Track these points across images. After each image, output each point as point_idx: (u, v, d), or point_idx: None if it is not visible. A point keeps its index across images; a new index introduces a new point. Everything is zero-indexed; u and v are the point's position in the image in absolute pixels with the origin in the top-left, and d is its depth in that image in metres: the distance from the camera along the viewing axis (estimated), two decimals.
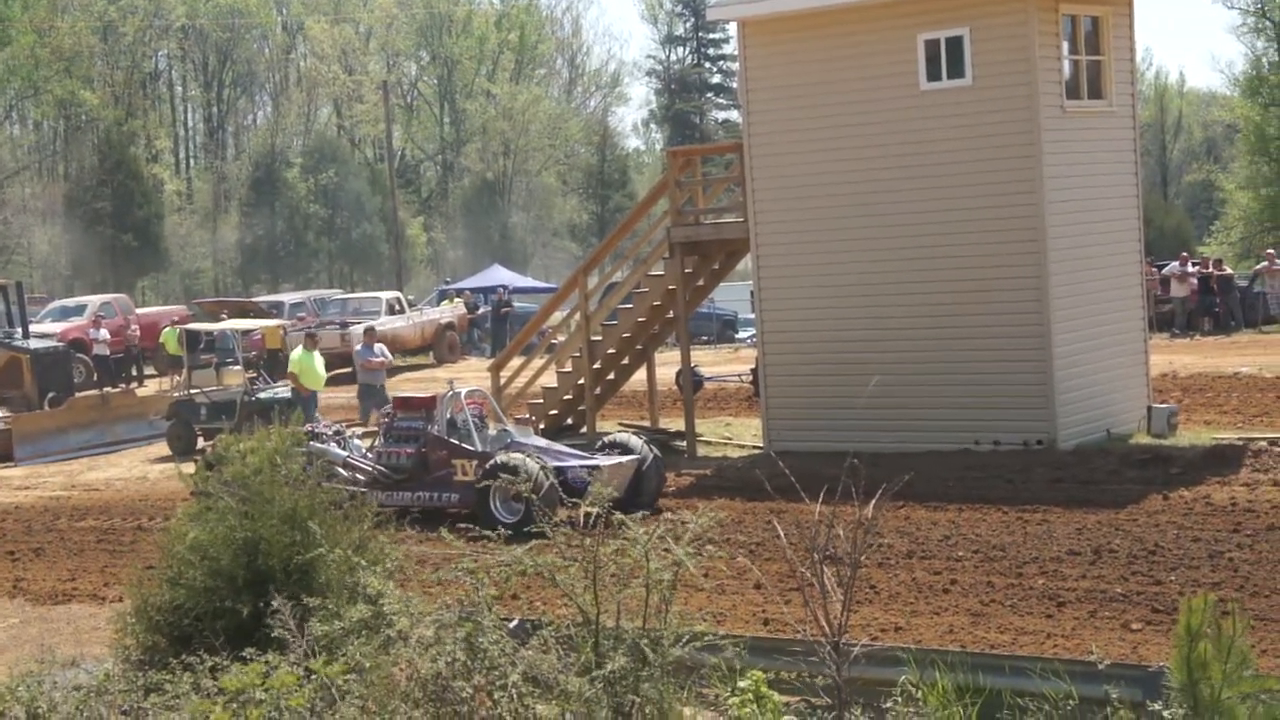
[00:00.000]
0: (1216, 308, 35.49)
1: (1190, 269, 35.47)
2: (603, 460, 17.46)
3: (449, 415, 18.35)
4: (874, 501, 8.17)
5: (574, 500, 10.51)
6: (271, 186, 68.80)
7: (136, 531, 18.92)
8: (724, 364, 32.46)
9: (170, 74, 77.96)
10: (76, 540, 18.83)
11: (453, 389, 18.91)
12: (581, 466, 17.15)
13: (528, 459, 16.77)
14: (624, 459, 17.59)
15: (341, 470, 18.60)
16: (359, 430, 20.32)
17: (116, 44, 69.95)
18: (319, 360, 24.49)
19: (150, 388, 34.91)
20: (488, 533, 9.23)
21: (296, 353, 24.65)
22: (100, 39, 68.77)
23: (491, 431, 18.31)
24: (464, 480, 17.54)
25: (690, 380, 22.86)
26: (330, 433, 19.31)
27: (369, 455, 18.81)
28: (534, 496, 10.34)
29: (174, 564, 9.79)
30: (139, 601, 9.71)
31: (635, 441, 18.03)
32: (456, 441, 18.06)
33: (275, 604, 8.53)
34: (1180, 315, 34.92)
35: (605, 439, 18.54)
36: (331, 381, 30.40)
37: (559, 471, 16.80)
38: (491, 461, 16.99)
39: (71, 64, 66.60)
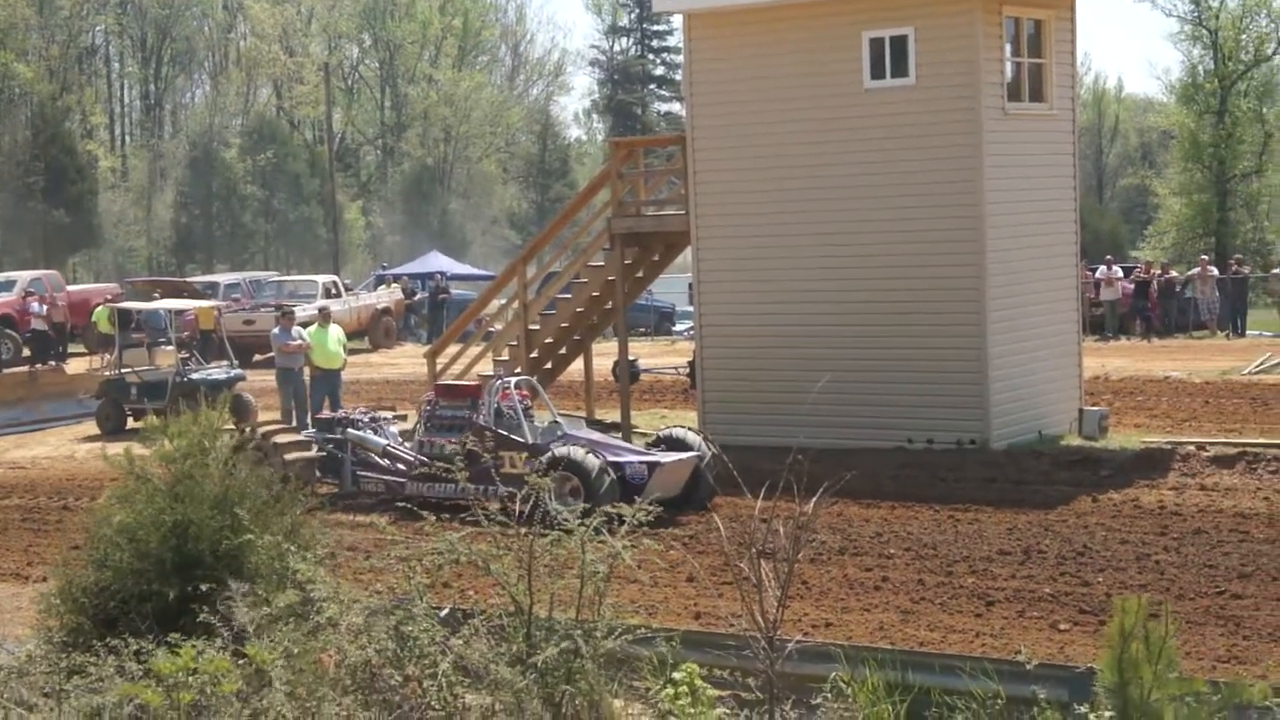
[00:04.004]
0: (1149, 312, 35.90)
1: (1118, 273, 35.81)
2: (662, 457, 16.87)
3: (495, 405, 17.69)
4: (815, 499, 8.17)
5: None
6: (209, 166, 68.10)
7: (62, 511, 18.68)
8: (661, 356, 32.47)
9: (107, 49, 76.96)
10: (0, 519, 18.55)
11: (500, 377, 18.33)
12: (640, 462, 16.61)
13: (586, 453, 16.28)
14: (684, 455, 16.96)
15: (379, 459, 18.21)
16: (389, 415, 19.68)
17: (52, 17, 68.91)
18: (334, 336, 23.49)
19: (74, 366, 34.43)
20: (423, 514, 9.13)
21: (310, 329, 23.74)
22: (36, 11, 67.69)
23: (541, 423, 17.74)
24: (512, 473, 16.46)
25: (627, 371, 22.82)
26: (366, 419, 18.71)
27: (407, 445, 18.26)
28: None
29: (100, 545, 9.65)
30: (64, 582, 9.56)
31: (693, 438, 17.42)
32: (505, 432, 17.38)
33: (213, 588, 8.41)
34: (1111, 319, 35.28)
35: (661, 434, 17.93)
36: (265, 365, 30.14)
37: (616, 467, 16.34)
38: (549, 454, 16.48)
39: (6, 36, 65.53)
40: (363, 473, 18.21)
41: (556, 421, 17.76)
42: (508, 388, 17.85)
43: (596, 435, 17.64)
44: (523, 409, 17.64)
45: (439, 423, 17.98)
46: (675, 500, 16.47)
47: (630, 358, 28.41)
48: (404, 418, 20.17)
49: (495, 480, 15.88)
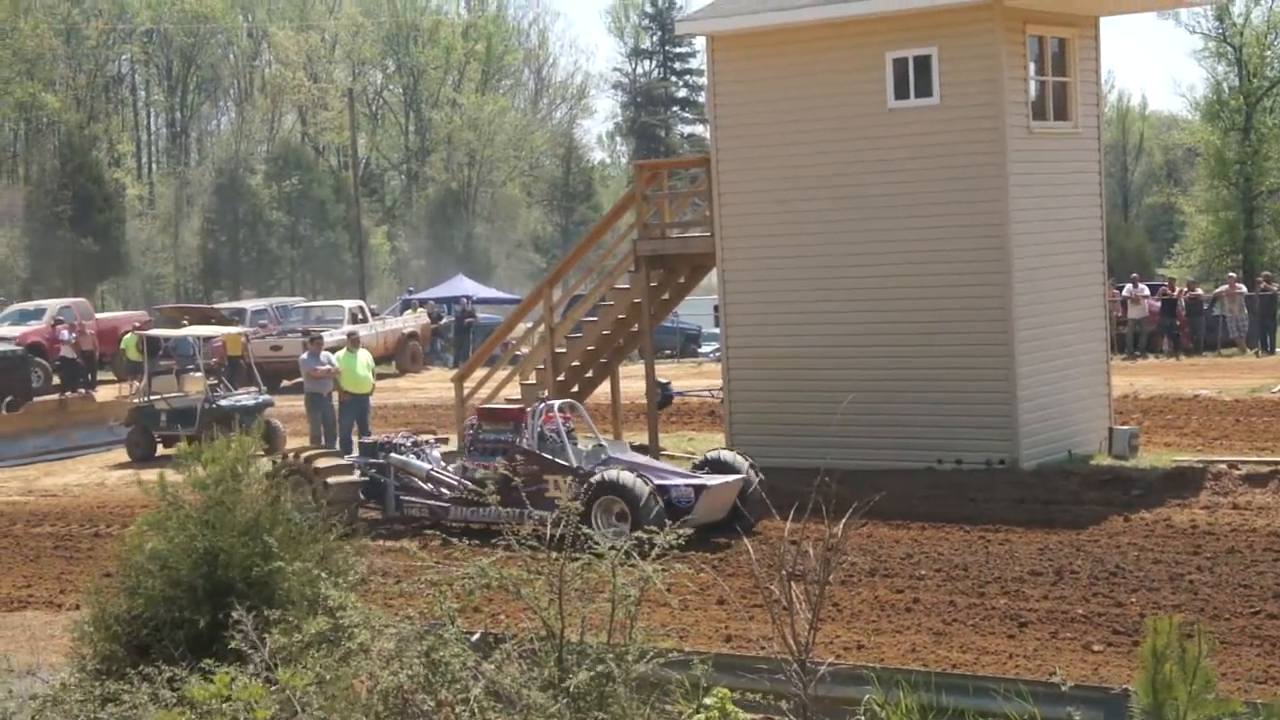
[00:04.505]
0: (1177, 330, 35.73)
1: (1144, 290, 35.66)
2: (709, 480, 16.70)
3: (539, 428, 17.59)
4: (844, 520, 8.15)
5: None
6: (235, 193, 68.44)
7: (94, 538, 18.75)
8: (687, 378, 32.46)
9: (133, 78, 77.50)
10: (33, 546, 18.64)
11: (544, 401, 18.23)
12: (686, 485, 16.45)
13: (634, 477, 16.11)
14: (730, 479, 16.79)
15: (422, 484, 18.10)
16: (432, 439, 19.48)
17: (79, 47, 69.48)
18: (362, 361, 23.38)
19: (103, 393, 34.60)
20: (449, 538, 9.15)
21: (339, 354, 23.66)
22: (63, 41, 68.27)
23: (585, 446, 17.62)
24: (557, 496, 16.01)
25: (655, 394, 22.79)
26: (409, 444, 18.61)
27: (450, 469, 18.16)
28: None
29: (132, 573, 9.68)
30: (96, 610, 9.58)
31: (738, 460, 17.26)
32: (549, 456, 17.24)
33: (236, 616, 8.42)
34: (1139, 336, 35.10)
35: (706, 456, 17.75)
36: (292, 390, 30.24)
37: (663, 490, 16.17)
38: (595, 478, 16.34)
39: (33, 66, 66.08)
40: (406, 497, 18.16)
41: (601, 445, 17.64)
42: (551, 410, 17.69)
43: (641, 458, 17.49)
44: (566, 432, 17.55)
45: (482, 446, 17.89)
46: (721, 523, 16.37)
47: (663, 380, 28.42)
48: (445, 440, 20.10)
49: (526, 504, 15.80)
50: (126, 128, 75.02)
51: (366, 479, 18.19)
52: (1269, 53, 59.17)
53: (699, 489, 16.35)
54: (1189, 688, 6.53)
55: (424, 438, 19.29)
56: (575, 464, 17.05)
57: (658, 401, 27.22)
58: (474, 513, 17.04)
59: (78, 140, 64.64)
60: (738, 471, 16.99)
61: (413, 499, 18.08)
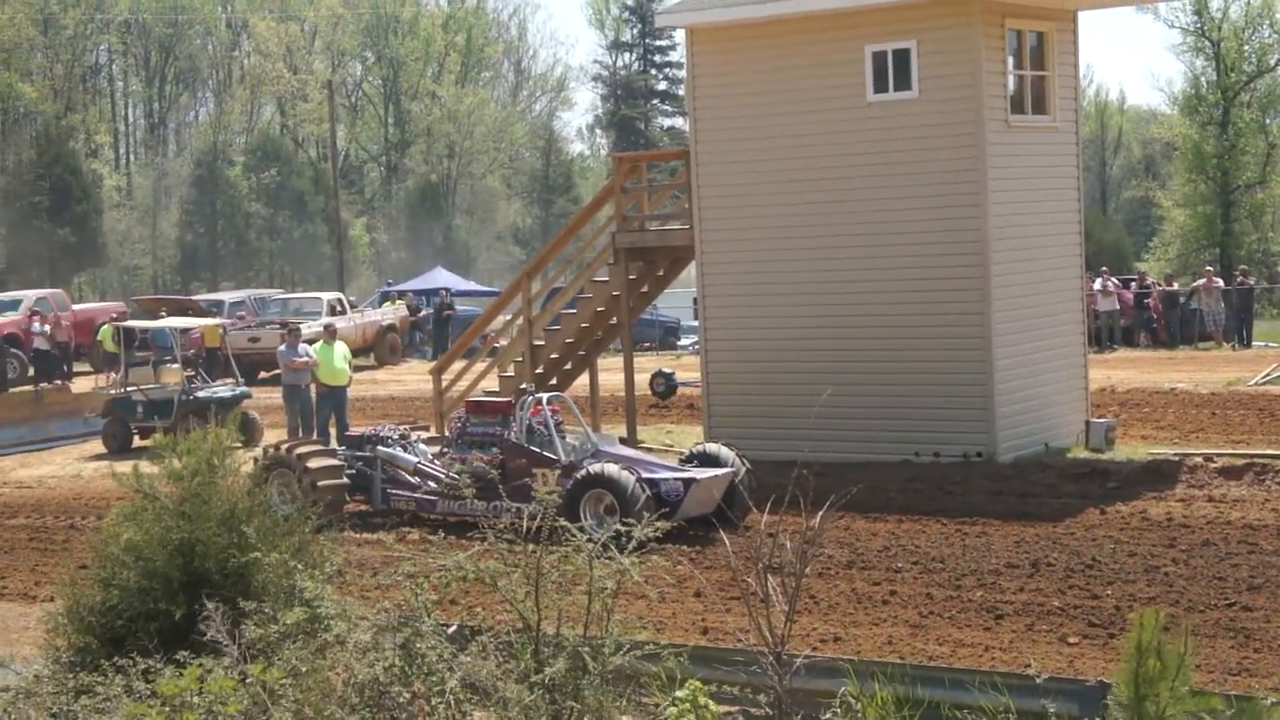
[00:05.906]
0: (1154, 324, 35.83)
1: (1111, 284, 35.70)
2: (698, 473, 16.48)
3: (527, 421, 17.37)
4: (821, 513, 8.15)
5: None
6: (213, 184, 68.20)
7: (69, 530, 18.67)
8: (679, 371, 32.39)
9: (111, 68, 77.17)
10: (7, 538, 18.55)
11: (531, 393, 18.09)
12: (675, 479, 16.25)
13: (621, 470, 15.99)
14: (719, 472, 16.59)
15: (409, 477, 17.99)
16: (422, 435, 19.38)
17: (57, 37, 69.14)
18: (339, 353, 23.20)
19: (80, 385, 34.46)
20: (430, 536, 9.15)
21: (316, 346, 23.52)
22: (40, 31, 67.94)
23: (574, 440, 17.48)
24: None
25: (632, 385, 22.78)
26: (395, 436, 18.49)
27: (438, 462, 18.02)
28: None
29: (107, 564, 9.64)
30: (71, 602, 9.54)
31: (727, 453, 17.03)
32: (537, 449, 17.15)
33: (209, 608, 8.39)
34: (1112, 330, 35.18)
35: (695, 449, 17.59)
36: (270, 382, 30.17)
37: (652, 483, 15.99)
38: (583, 471, 16.22)
39: (10, 56, 65.74)
40: (393, 490, 18.09)
41: (589, 438, 17.52)
42: (540, 403, 17.56)
43: (630, 451, 17.38)
44: (554, 425, 17.44)
45: (470, 440, 17.76)
46: (711, 517, 16.31)
47: (668, 371, 28.51)
48: (427, 428, 19.94)
49: (503, 498, 15.76)
50: (104, 118, 74.68)
51: (354, 472, 18.09)
52: (1247, 47, 59.36)
53: (688, 482, 16.22)
54: (1170, 683, 6.54)
55: (411, 430, 19.17)
56: (563, 457, 16.93)
57: (662, 391, 27.50)
58: (461, 506, 16.95)
59: (55, 131, 64.31)
60: (726, 464, 16.86)
61: (400, 492, 18.02)
